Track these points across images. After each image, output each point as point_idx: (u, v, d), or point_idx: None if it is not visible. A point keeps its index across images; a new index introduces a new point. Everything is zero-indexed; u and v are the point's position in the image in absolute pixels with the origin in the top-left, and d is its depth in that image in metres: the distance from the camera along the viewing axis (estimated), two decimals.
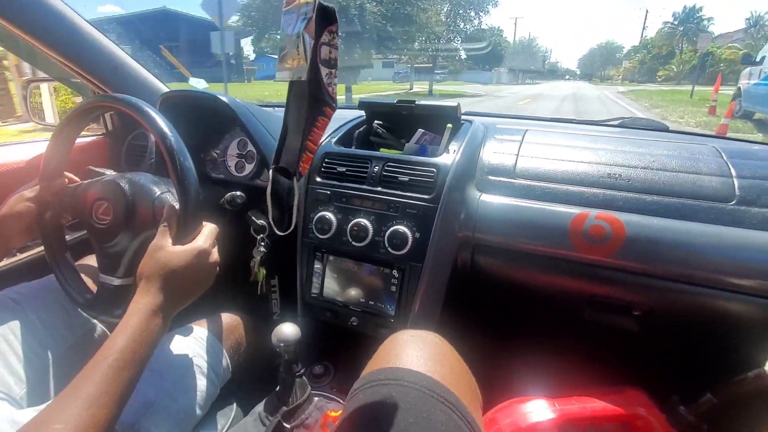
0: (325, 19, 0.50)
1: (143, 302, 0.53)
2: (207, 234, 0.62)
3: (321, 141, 0.94)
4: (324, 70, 0.53)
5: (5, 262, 0.98)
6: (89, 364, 0.47)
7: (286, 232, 0.79)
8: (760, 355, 0.61)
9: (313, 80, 0.53)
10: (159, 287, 0.54)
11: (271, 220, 0.77)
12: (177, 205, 0.62)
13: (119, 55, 1.06)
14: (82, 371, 0.47)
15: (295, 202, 0.70)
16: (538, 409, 0.68)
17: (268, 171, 0.95)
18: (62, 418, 0.43)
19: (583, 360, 0.85)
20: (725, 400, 0.66)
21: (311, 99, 0.55)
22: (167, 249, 0.57)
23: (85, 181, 0.76)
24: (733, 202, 0.70)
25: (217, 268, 0.63)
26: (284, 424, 0.70)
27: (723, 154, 0.80)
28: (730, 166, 0.76)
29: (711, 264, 0.67)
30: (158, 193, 0.70)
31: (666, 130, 1.05)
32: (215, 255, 0.62)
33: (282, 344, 0.69)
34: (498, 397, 0.72)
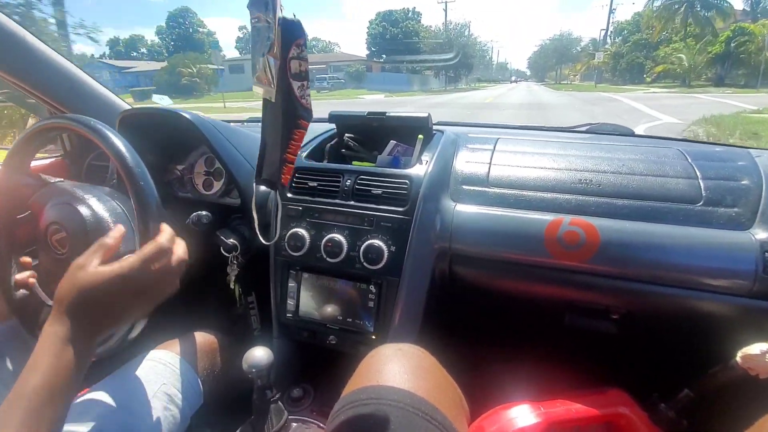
0: (291, 33, 0.50)
1: (53, 331, 0.45)
2: (145, 252, 0.51)
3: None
4: (295, 84, 0.53)
5: None
6: (5, 404, 0.41)
7: (270, 242, 0.76)
8: (732, 348, 0.62)
9: (285, 98, 0.53)
10: (72, 313, 0.46)
11: (257, 231, 0.74)
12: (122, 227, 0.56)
13: (75, 72, 1.01)
14: None
15: (279, 214, 0.67)
16: (524, 414, 0.68)
17: (237, 188, 0.93)
18: None
19: (565, 363, 0.85)
20: (701, 394, 0.67)
21: (285, 115, 0.55)
22: (88, 269, 0.48)
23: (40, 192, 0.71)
24: (701, 203, 0.72)
25: (163, 290, 0.53)
26: None
27: (688, 157, 0.82)
28: (695, 168, 0.78)
29: (681, 265, 0.68)
30: (114, 220, 0.66)
31: (632, 134, 1.08)
32: (150, 278, 0.51)
33: (254, 370, 0.65)
34: (484, 406, 0.71)
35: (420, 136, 0.90)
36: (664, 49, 28.29)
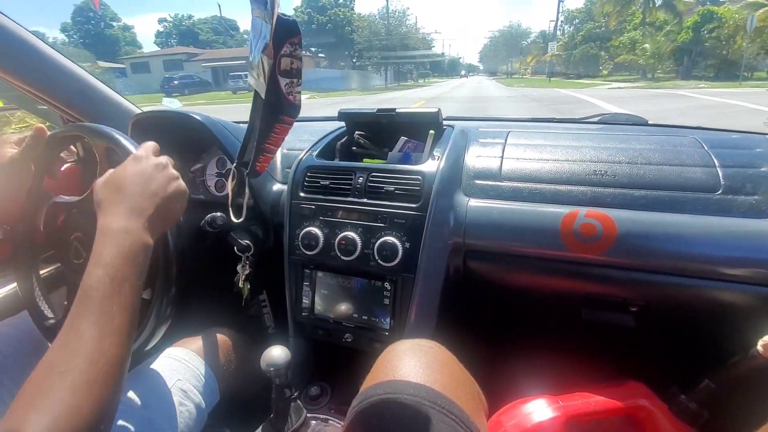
0: (287, 32, 0.51)
1: (105, 222, 0.49)
2: (142, 147, 0.59)
3: (304, 149, 0.92)
4: (284, 81, 0.54)
5: None
6: (74, 309, 0.43)
7: (239, 220, 0.76)
8: (752, 337, 0.61)
9: (271, 92, 0.54)
10: (115, 202, 0.51)
11: (231, 212, 0.76)
12: None
13: (85, 77, 1.02)
14: (71, 316, 0.42)
15: (245, 199, 0.72)
16: (542, 408, 0.67)
17: (249, 188, 0.93)
18: (65, 362, 0.39)
19: (582, 357, 0.84)
20: (722, 384, 0.66)
21: (267, 111, 0.57)
22: (110, 172, 0.55)
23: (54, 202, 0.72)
24: (719, 192, 0.71)
25: (173, 178, 0.58)
26: None
27: (704, 145, 0.80)
28: (713, 156, 0.76)
29: (701, 255, 0.67)
30: None
31: (645, 124, 1.06)
32: (157, 160, 0.58)
33: (272, 369, 0.65)
34: (501, 400, 0.71)
35: (431, 131, 0.90)
36: (619, 39, 25.79)
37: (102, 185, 0.54)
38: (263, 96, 0.56)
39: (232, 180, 0.75)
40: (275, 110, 0.57)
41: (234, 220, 0.72)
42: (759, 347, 0.60)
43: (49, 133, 0.68)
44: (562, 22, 44.84)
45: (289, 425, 0.69)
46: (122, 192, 0.52)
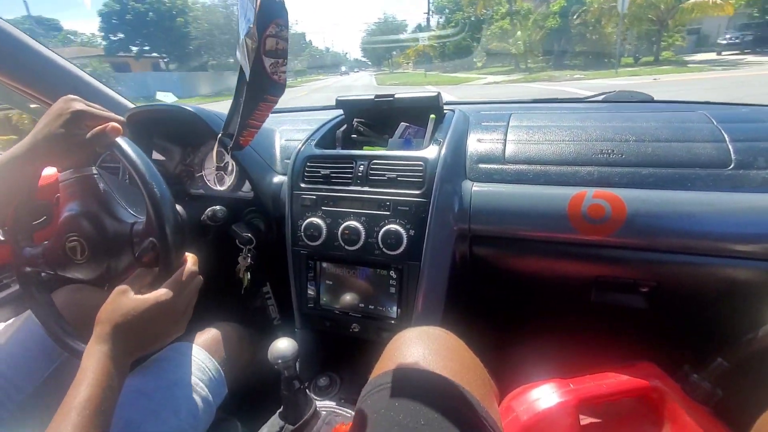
0: (272, 12, 0.50)
1: (98, 349, 0.50)
2: (178, 280, 0.58)
3: (302, 139, 0.91)
4: (268, 61, 0.53)
5: None
6: (57, 417, 0.45)
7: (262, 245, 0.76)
8: (766, 314, 0.60)
9: (254, 72, 0.54)
10: (115, 334, 0.51)
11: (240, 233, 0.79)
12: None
13: (77, 74, 1.00)
14: (52, 424, 0.44)
15: (229, 168, 0.74)
16: (553, 392, 0.67)
17: (249, 181, 0.92)
18: None
19: (592, 340, 0.83)
20: (736, 363, 0.65)
21: (251, 90, 0.56)
22: (130, 296, 0.54)
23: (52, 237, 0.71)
24: (731, 167, 0.69)
25: (187, 317, 0.60)
26: None
27: (713, 120, 0.78)
28: (722, 131, 0.74)
29: (713, 233, 0.66)
30: (131, 221, 0.66)
31: (651, 100, 1.04)
32: (182, 305, 0.58)
33: (280, 361, 0.65)
34: (511, 386, 0.70)
35: (432, 116, 0.88)
36: (490, 28, 23.18)
37: (115, 308, 0.53)
38: (247, 75, 0.55)
39: (216, 149, 0.76)
40: (259, 89, 0.57)
41: (218, 188, 0.72)
42: None
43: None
44: (432, 12, 41.47)
45: (299, 416, 0.69)
46: (127, 330, 0.52)
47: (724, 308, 0.78)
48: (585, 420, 0.68)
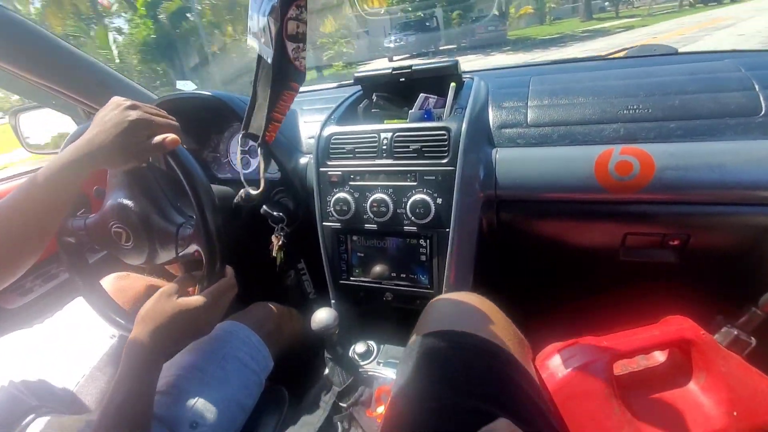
0: None
1: (140, 346, 0.54)
2: (217, 290, 0.62)
3: (323, 118, 0.92)
4: (290, 45, 0.53)
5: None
6: (101, 412, 0.51)
7: (258, 192, 0.77)
8: None
9: (278, 59, 0.53)
10: (155, 334, 0.55)
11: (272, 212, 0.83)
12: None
13: (102, 68, 1.03)
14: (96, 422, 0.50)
15: (261, 169, 0.71)
16: (587, 348, 0.68)
17: (276, 162, 0.94)
18: None
19: (623, 299, 0.84)
20: None
21: (276, 78, 0.56)
22: (173, 299, 0.58)
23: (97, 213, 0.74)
24: (762, 114, 0.68)
25: (218, 320, 0.64)
26: (340, 404, 0.70)
27: (742, 68, 0.76)
28: (752, 78, 0.73)
29: (744, 181, 0.65)
30: (179, 222, 0.69)
31: (675, 53, 1.01)
32: (216, 312, 0.62)
33: (322, 328, 0.69)
34: (543, 346, 0.72)
35: (452, 83, 0.88)
36: None
37: (157, 308, 0.58)
38: (270, 61, 0.55)
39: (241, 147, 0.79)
40: (283, 76, 0.56)
41: (252, 192, 0.75)
42: None
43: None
44: None
45: (344, 380, 0.73)
46: (165, 330, 0.56)
47: (755, 258, 0.77)
48: (619, 373, 0.69)
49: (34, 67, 0.94)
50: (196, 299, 0.59)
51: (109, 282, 0.87)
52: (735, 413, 0.61)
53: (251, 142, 1.03)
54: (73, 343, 0.77)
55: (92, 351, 0.76)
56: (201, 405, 0.63)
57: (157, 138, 0.57)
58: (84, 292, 0.75)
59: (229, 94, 0.95)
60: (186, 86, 1.26)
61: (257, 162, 1.03)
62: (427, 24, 13.79)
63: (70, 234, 0.73)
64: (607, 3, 21.47)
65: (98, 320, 0.75)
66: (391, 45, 13.21)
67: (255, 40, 0.58)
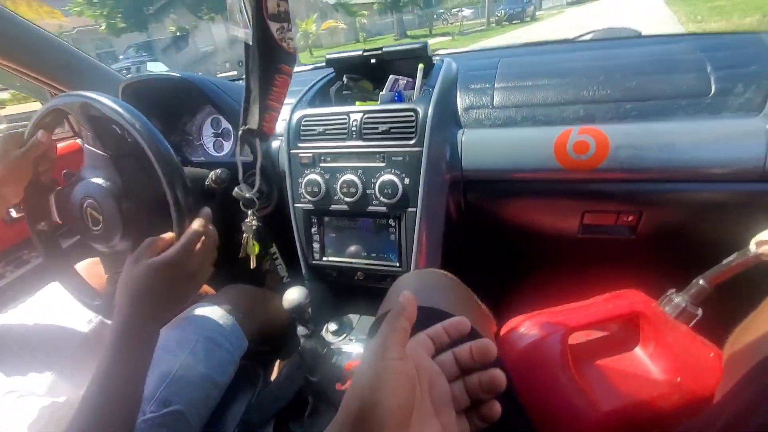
0: None
1: (119, 321, 0.52)
2: (185, 242, 0.57)
3: (294, 101, 0.92)
4: (274, 26, 0.50)
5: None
6: (84, 394, 0.49)
7: (256, 200, 0.78)
8: (747, 239, 0.63)
9: (262, 40, 0.50)
10: (132, 304, 0.53)
11: (243, 194, 0.78)
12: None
13: (69, 49, 1.01)
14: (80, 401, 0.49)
15: (258, 164, 0.68)
16: (545, 321, 0.71)
17: (248, 144, 0.94)
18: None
19: (583, 274, 0.88)
20: (716, 285, 0.70)
21: (264, 60, 0.53)
22: (141, 262, 0.55)
23: (67, 187, 0.75)
24: (711, 95, 0.71)
25: (206, 271, 0.60)
26: (311, 379, 0.73)
27: (698, 50, 0.79)
28: (705, 60, 0.76)
29: (692, 159, 0.69)
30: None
31: (639, 36, 1.04)
32: (197, 261, 0.58)
33: (294, 306, 0.71)
34: (507, 319, 0.75)
35: (420, 65, 0.89)
36: None
37: (127, 278, 0.54)
38: (251, 42, 0.52)
39: (240, 145, 0.70)
40: (271, 59, 0.53)
41: (217, 153, 0.72)
42: (752, 245, 0.62)
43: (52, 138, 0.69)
44: None
45: (316, 356, 0.76)
46: (141, 300, 0.53)
47: (704, 233, 0.82)
48: (574, 343, 0.73)
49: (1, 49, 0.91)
50: (162, 256, 0.55)
51: (84, 267, 0.87)
52: (678, 379, 0.66)
53: (224, 124, 1.03)
54: (49, 328, 0.77)
55: (68, 335, 0.77)
56: (173, 383, 0.64)
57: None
58: (58, 277, 0.75)
59: (200, 76, 0.94)
60: (156, 67, 1.24)
61: (231, 144, 1.03)
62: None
63: (42, 218, 0.73)
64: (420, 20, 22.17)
65: (74, 304, 0.76)
66: None
67: (236, 27, 0.55)
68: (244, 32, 0.54)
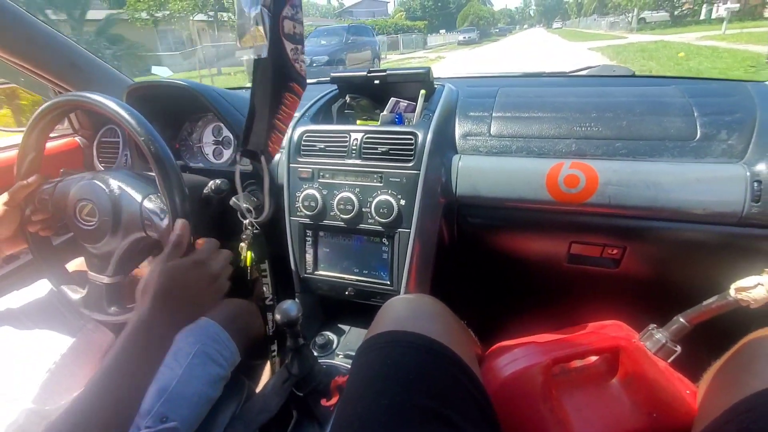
0: None
1: (135, 318, 0.52)
2: (205, 248, 0.62)
3: (297, 115, 0.94)
4: (288, 45, 0.50)
5: None
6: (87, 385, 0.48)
7: (261, 218, 0.79)
8: (725, 281, 0.66)
9: (277, 56, 0.50)
10: (156, 302, 0.53)
11: (241, 204, 0.78)
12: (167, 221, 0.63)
13: (75, 49, 1.02)
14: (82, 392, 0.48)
15: (265, 185, 0.68)
16: (529, 351, 0.73)
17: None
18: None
19: (568, 304, 0.90)
20: (695, 324, 0.72)
21: (277, 76, 0.52)
22: (167, 263, 0.56)
23: (63, 179, 0.75)
24: (696, 139, 0.75)
25: (224, 284, 0.62)
26: (297, 393, 0.74)
27: (685, 94, 0.83)
28: (693, 105, 0.79)
29: (676, 199, 0.72)
30: (141, 198, 0.70)
31: (632, 75, 1.08)
32: (216, 268, 0.61)
33: (285, 319, 0.72)
34: (492, 344, 0.77)
35: (422, 90, 0.92)
36: None
37: (150, 280, 0.55)
38: (264, 55, 0.51)
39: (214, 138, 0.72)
40: (284, 77, 0.52)
41: (217, 161, 0.73)
42: (732, 290, 0.64)
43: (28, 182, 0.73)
44: None
45: (304, 368, 0.76)
46: (162, 299, 0.54)
47: (685, 271, 0.85)
48: (556, 373, 0.75)
49: (4, 43, 0.92)
50: (185, 258, 0.58)
51: (75, 267, 0.87)
52: (654, 414, 0.67)
53: (225, 133, 1.04)
54: (39, 334, 0.76)
55: (58, 342, 0.76)
56: (171, 399, 0.65)
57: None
58: (47, 274, 0.76)
59: (204, 85, 0.96)
60: (162, 72, 1.25)
61: (230, 152, 1.04)
62: None
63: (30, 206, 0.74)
64: None
65: (65, 312, 0.76)
66: None
67: (244, 48, 0.55)
68: (256, 47, 0.53)
